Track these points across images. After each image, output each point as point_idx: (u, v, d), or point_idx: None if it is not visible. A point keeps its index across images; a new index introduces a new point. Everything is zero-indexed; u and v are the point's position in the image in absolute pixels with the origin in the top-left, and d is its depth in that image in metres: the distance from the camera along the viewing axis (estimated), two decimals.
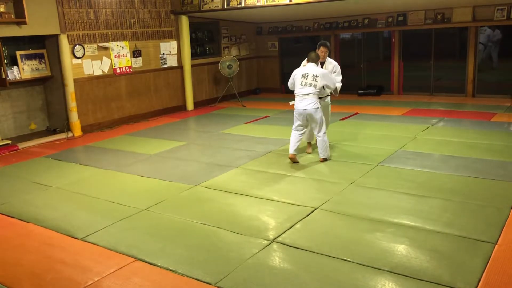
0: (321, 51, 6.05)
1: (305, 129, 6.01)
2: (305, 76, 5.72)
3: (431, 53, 10.66)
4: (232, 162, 6.21)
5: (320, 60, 6.03)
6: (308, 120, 5.85)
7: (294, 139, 5.96)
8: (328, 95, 6.27)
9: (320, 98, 5.97)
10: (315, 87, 5.68)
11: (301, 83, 5.73)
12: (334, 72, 6.14)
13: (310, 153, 6.35)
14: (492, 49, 10.39)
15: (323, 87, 5.82)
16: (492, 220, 4.04)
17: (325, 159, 5.93)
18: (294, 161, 5.92)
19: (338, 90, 6.14)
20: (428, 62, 10.71)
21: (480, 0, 9.31)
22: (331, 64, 6.15)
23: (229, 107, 10.81)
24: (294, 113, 5.91)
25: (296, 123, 5.91)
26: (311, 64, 5.80)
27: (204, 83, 11.31)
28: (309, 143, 6.46)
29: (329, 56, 6.21)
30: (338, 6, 9.35)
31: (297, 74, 5.84)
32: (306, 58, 5.95)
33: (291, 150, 5.93)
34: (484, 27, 10.04)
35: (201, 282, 3.30)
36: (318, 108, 5.74)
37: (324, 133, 5.88)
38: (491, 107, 8.89)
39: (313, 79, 5.67)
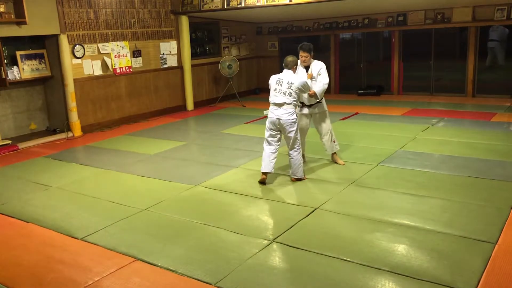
0: (300, 55, 5.47)
1: (279, 143, 5.31)
2: (279, 82, 5.16)
3: (431, 53, 10.66)
4: (232, 162, 6.21)
5: (304, 65, 5.54)
6: (280, 131, 5.23)
7: (267, 155, 5.23)
8: (318, 101, 5.64)
9: (311, 105, 5.61)
10: (290, 95, 5.09)
11: (275, 90, 5.18)
12: (319, 75, 5.52)
13: (343, 164, 5.81)
14: (499, 48, 10.34)
15: (299, 94, 5.23)
16: (492, 220, 4.04)
17: (298, 179, 5.28)
18: (262, 181, 5.24)
19: (320, 93, 5.46)
20: (428, 62, 10.71)
21: (480, 0, 9.31)
22: (317, 66, 5.54)
23: (229, 107, 10.81)
24: (266, 122, 5.28)
25: (267, 133, 5.26)
26: (286, 71, 5.23)
27: (204, 83, 11.30)
28: (333, 154, 5.90)
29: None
30: (338, 6, 9.35)
31: (271, 80, 5.29)
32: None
33: (263, 169, 5.22)
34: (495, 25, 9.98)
35: (201, 282, 3.30)
36: (294, 119, 5.13)
37: (298, 151, 5.23)
38: (491, 107, 8.89)
39: (288, 86, 5.10)
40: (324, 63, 5.71)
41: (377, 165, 5.73)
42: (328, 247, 3.69)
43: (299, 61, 5.55)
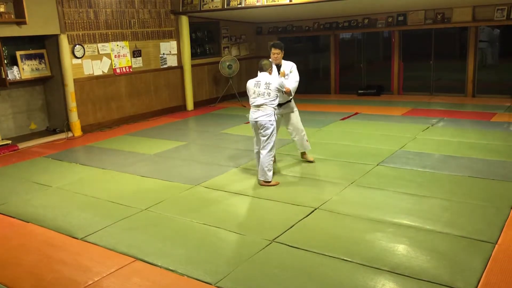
0: (273, 53, 5.52)
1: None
2: (257, 85, 5.18)
3: (431, 53, 10.66)
4: (232, 162, 6.21)
5: (275, 63, 5.54)
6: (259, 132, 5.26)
7: (258, 159, 5.35)
8: (288, 101, 5.72)
9: (281, 104, 5.61)
10: (269, 96, 5.13)
11: (254, 92, 5.20)
12: (291, 72, 5.61)
13: (312, 161, 5.95)
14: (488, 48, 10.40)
15: (277, 95, 5.27)
16: (492, 220, 4.04)
17: (267, 183, 5.22)
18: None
19: (293, 90, 5.56)
20: (428, 62, 10.71)
21: (480, 0, 9.31)
22: (288, 65, 5.61)
23: (229, 107, 10.81)
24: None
25: (254, 138, 5.38)
26: (263, 73, 5.26)
27: (204, 83, 11.30)
28: (303, 152, 6.00)
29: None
30: (338, 6, 9.35)
31: (249, 84, 5.29)
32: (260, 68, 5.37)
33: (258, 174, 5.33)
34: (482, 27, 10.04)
35: (201, 282, 3.30)
36: (271, 121, 5.14)
37: (269, 152, 5.19)
38: (491, 107, 8.89)
39: (266, 87, 5.14)
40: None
41: (377, 165, 5.73)
42: (328, 247, 3.69)
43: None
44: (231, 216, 4.47)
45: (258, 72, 5.37)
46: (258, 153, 5.34)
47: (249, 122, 5.36)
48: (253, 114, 5.22)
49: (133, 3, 9.38)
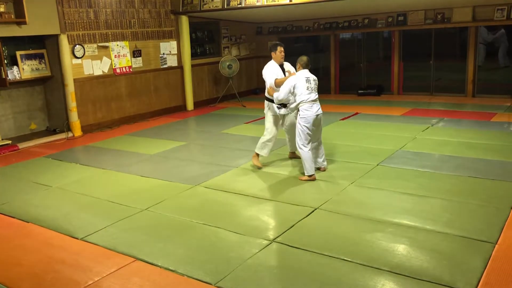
0: (280, 51, 5.67)
1: None
2: (308, 81, 5.27)
3: (431, 53, 10.66)
4: (232, 162, 6.21)
5: (281, 62, 5.73)
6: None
7: (310, 156, 5.31)
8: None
9: (286, 104, 5.59)
10: (316, 90, 5.38)
11: (307, 88, 5.23)
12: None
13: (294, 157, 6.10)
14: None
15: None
16: (492, 220, 4.04)
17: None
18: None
19: None
20: (428, 62, 10.72)
21: (480, 0, 9.31)
22: (288, 65, 5.81)
23: (229, 107, 10.81)
24: (303, 123, 5.22)
25: (308, 134, 5.27)
26: (306, 70, 5.39)
27: (204, 83, 11.30)
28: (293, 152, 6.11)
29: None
30: (338, 6, 9.35)
31: (298, 82, 5.25)
32: (298, 64, 5.45)
33: (314, 171, 5.34)
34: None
35: (201, 282, 3.30)
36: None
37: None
38: (491, 107, 8.89)
39: (315, 83, 5.35)
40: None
41: (377, 165, 5.73)
42: (328, 247, 3.69)
43: (273, 60, 5.77)
44: (231, 216, 4.47)
45: (298, 68, 5.46)
46: (309, 149, 5.33)
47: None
48: (312, 109, 5.28)
49: (133, 3, 9.38)
